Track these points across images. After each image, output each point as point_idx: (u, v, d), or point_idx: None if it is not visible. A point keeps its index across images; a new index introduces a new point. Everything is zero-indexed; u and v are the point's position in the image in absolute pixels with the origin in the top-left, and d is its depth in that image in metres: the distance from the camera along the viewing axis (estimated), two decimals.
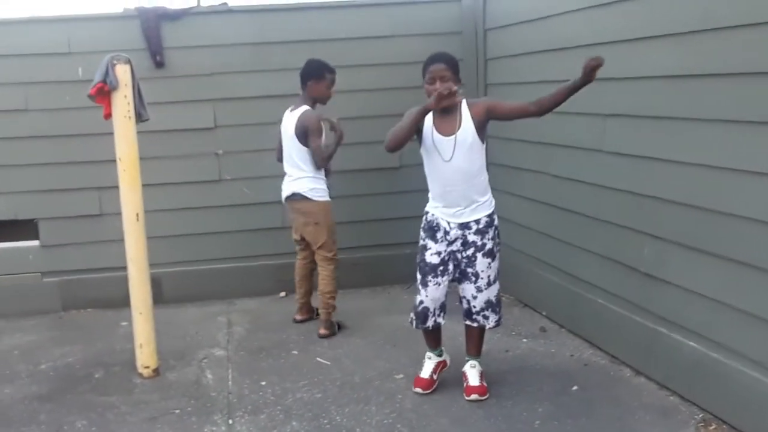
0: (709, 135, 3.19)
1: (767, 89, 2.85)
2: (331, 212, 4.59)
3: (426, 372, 3.71)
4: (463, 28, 5.42)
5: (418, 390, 3.65)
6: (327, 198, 4.56)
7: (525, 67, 4.75)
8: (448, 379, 3.76)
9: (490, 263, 3.53)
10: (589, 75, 3.10)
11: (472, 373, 3.64)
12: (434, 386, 3.68)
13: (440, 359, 3.76)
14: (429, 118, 3.45)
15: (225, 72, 5.20)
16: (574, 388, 3.69)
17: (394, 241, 5.51)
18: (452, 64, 3.44)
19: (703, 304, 3.31)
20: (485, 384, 3.62)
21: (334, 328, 4.59)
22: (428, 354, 3.74)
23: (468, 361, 3.70)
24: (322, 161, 4.46)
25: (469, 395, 3.57)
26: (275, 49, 5.26)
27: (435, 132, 3.44)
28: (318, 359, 4.19)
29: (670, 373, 3.57)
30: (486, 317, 3.58)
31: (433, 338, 3.72)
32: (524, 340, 4.39)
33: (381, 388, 3.78)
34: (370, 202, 5.51)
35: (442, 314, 3.60)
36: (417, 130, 3.45)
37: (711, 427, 3.20)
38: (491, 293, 3.56)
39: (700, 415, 3.32)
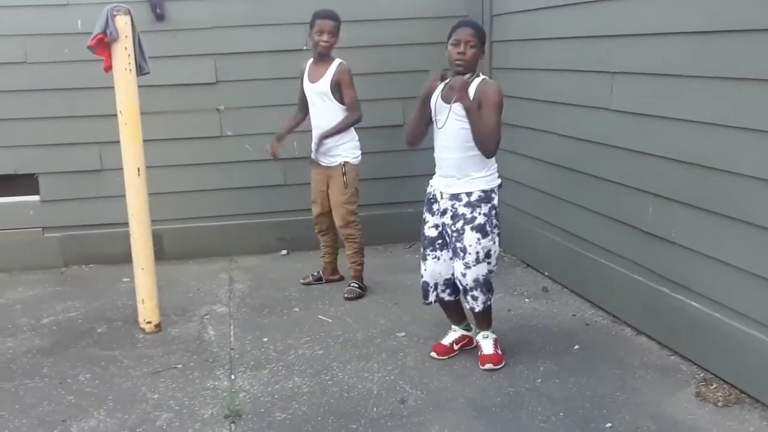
0: (716, 93, 3.14)
1: None
2: (311, 173, 4.59)
3: (447, 339, 3.62)
4: (468, 12, 5.31)
5: (434, 354, 3.57)
6: (312, 155, 4.52)
7: (531, 23, 4.68)
8: None
9: (479, 239, 3.33)
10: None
11: (486, 343, 3.54)
12: (452, 354, 3.58)
13: (465, 333, 3.65)
14: (441, 84, 3.39)
15: (227, 26, 5.11)
16: (576, 347, 3.70)
17: (396, 199, 5.49)
18: (480, 33, 3.34)
19: (706, 263, 3.30)
20: (500, 352, 3.53)
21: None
22: (453, 327, 3.66)
23: (479, 332, 3.60)
24: None
25: (483, 364, 3.48)
26: (277, 5, 5.17)
27: (439, 98, 3.39)
28: (320, 317, 4.19)
29: (672, 332, 3.58)
30: (475, 298, 3.40)
31: (451, 313, 3.63)
32: (526, 299, 4.40)
33: (383, 345, 3.79)
34: (373, 160, 5.44)
35: (447, 291, 3.50)
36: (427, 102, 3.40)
37: (712, 386, 3.21)
38: (480, 271, 3.36)
39: (701, 375, 3.33)
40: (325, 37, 4.24)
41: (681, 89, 3.36)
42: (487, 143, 3.28)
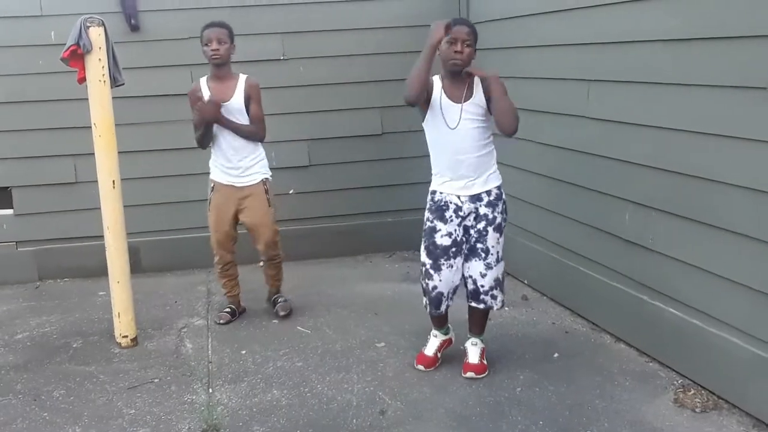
0: (693, 101, 3.17)
1: (754, 53, 2.83)
2: (212, 197, 4.16)
3: (430, 350, 3.59)
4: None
5: (420, 367, 3.54)
6: (211, 176, 4.17)
7: (509, 32, 4.70)
8: None
9: (498, 238, 3.40)
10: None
11: (473, 351, 3.53)
12: (437, 364, 3.57)
13: (446, 337, 3.64)
14: (438, 84, 3.35)
15: None
16: (556, 355, 3.71)
17: (376, 209, 5.48)
18: (475, 32, 3.29)
19: (684, 270, 3.32)
20: (485, 362, 3.52)
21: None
22: (434, 332, 3.62)
23: (470, 338, 3.58)
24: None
25: (465, 372, 3.47)
26: (254, 13, 5.15)
27: (444, 96, 3.32)
28: (299, 328, 4.16)
29: (650, 339, 3.59)
30: (494, 297, 3.42)
31: (441, 318, 3.60)
32: (506, 308, 4.36)
33: (362, 356, 3.76)
34: (352, 170, 5.46)
35: (453, 297, 3.48)
36: (427, 97, 3.32)
37: (690, 393, 3.22)
38: (499, 271, 3.43)
39: (680, 381, 3.35)
40: (214, 45, 3.89)
41: (655, 97, 3.39)
42: (512, 118, 3.22)
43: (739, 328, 3.03)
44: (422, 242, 3.46)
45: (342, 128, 5.33)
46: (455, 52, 3.23)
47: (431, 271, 3.41)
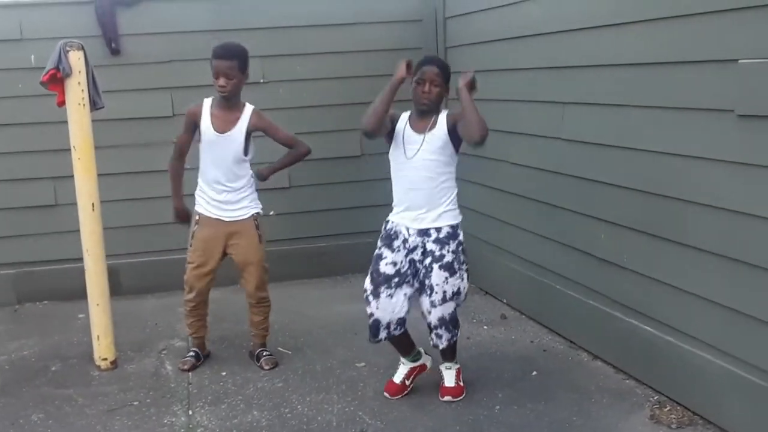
0: (666, 123, 3.24)
1: (723, 77, 2.91)
2: (195, 230, 3.87)
3: (398, 377, 3.55)
4: (423, 16, 5.43)
5: (386, 395, 3.52)
6: (196, 208, 3.92)
7: (485, 56, 4.78)
8: None
9: (447, 278, 3.30)
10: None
11: (448, 375, 3.52)
12: (405, 392, 3.53)
13: (415, 364, 3.58)
14: (405, 116, 3.42)
15: (183, 59, 5.11)
16: (534, 373, 3.74)
17: (355, 230, 5.51)
18: (445, 71, 3.33)
19: (657, 288, 3.38)
20: (461, 384, 3.52)
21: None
22: (401, 359, 3.59)
23: (443, 362, 3.56)
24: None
25: (443, 396, 3.47)
26: (234, 36, 5.14)
27: (408, 127, 3.38)
28: (279, 348, 4.17)
29: (626, 356, 3.64)
30: (439, 336, 3.36)
31: (400, 346, 3.54)
32: (485, 327, 4.43)
33: (342, 376, 3.78)
34: (331, 191, 5.50)
35: (399, 328, 3.41)
36: (390, 129, 3.38)
37: (665, 409, 3.27)
38: (446, 310, 3.33)
39: (656, 398, 3.39)
40: (221, 81, 3.63)
41: (628, 119, 3.47)
42: (477, 125, 3.14)
43: (711, 344, 3.09)
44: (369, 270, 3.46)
45: (322, 150, 5.35)
46: (423, 92, 3.29)
47: (370, 298, 3.40)
